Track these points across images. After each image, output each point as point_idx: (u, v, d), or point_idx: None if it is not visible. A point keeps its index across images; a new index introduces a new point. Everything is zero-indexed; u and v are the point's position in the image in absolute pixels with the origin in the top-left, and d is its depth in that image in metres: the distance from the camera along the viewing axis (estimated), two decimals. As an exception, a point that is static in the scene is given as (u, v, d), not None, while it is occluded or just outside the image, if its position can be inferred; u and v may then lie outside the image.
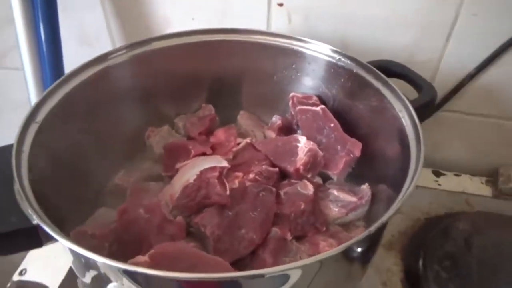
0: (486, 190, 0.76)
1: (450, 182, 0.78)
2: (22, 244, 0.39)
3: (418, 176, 0.41)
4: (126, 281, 0.36)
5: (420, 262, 0.56)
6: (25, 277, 0.61)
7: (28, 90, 0.68)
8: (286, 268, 0.35)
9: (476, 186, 0.77)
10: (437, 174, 0.79)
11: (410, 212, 0.65)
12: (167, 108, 0.68)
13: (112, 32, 0.77)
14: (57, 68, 0.67)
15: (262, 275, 0.34)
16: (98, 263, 0.36)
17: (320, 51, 0.59)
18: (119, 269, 0.34)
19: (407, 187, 0.41)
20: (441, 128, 0.78)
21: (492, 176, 0.78)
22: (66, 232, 0.48)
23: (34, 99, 0.69)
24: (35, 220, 0.37)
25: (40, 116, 0.47)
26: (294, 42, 0.60)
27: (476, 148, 0.79)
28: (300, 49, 0.60)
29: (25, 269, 0.62)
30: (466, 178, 0.79)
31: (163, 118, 0.67)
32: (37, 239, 0.39)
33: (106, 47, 0.77)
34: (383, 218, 0.38)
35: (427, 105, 0.54)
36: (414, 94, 0.56)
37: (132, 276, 0.35)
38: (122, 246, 0.49)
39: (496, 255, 0.55)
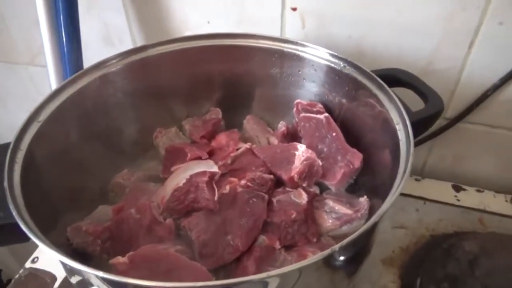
0: (510, 209, 0.71)
1: (470, 198, 0.73)
2: (10, 238, 0.41)
3: (400, 191, 0.39)
4: (103, 285, 0.37)
5: (418, 282, 0.53)
6: (37, 265, 0.64)
7: (50, 87, 0.72)
8: (260, 278, 0.34)
9: (499, 204, 0.72)
10: (457, 188, 0.74)
11: (415, 228, 0.62)
12: (178, 110, 0.69)
13: (134, 34, 0.79)
14: (77, 67, 0.71)
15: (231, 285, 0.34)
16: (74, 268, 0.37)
17: (324, 58, 0.58)
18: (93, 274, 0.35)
19: (389, 200, 0.39)
20: (462, 141, 0.73)
21: (519, 194, 0.73)
22: (63, 227, 0.51)
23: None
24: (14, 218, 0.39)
25: (43, 116, 0.50)
26: (300, 48, 0.60)
27: (502, 162, 0.74)
28: (306, 55, 0.59)
29: (37, 257, 0.66)
30: (490, 195, 0.74)
31: (173, 119, 0.69)
32: (22, 233, 0.41)
33: (129, 47, 0.80)
34: (363, 228, 0.37)
35: (433, 117, 0.51)
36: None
37: (106, 280, 0.36)
38: (114, 244, 0.51)
39: (502, 280, 0.52)
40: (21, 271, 0.64)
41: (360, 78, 0.54)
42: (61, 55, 0.70)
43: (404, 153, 0.44)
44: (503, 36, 0.60)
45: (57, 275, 0.63)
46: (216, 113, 0.67)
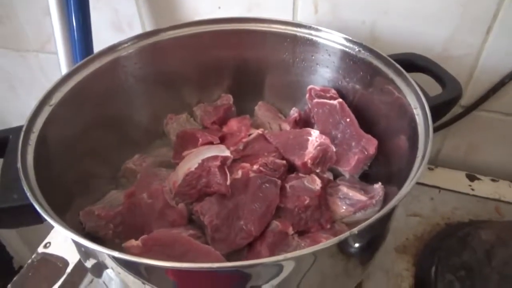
0: (525, 199, 0.69)
1: (485, 187, 0.72)
2: (23, 220, 0.41)
3: (419, 176, 0.38)
4: (117, 267, 0.37)
5: (433, 270, 0.52)
6: (49, 250, 0.64)
7: (61, 74, 0.72)
8: (276, 260, 0.33)
9: (514, 194, 0.71)
10: (472, 178, 0.73)
11: (429, 216, 0.61)
12: (189, 96, 0.69)
13: (144, 19, 0.78)
14: (87, 53, 0.70)
15: (249, 266, 0.34)
16: (89, 248, 0.37)
17: (339, 42, 0.57)
18: (107, 254, 0.35)
19: (408, 185, 0.38)
20: (478, 129, 0.72)
21: (534, 184, 0.72)
22: (75, 211, 0.51)
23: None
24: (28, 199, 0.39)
25: (55, 99, 0.50)
26: (313, 33, 0.59)
27: (517, 152, 0.72)
28: (319, 39, 0.58)
29: (49, 243, 0.66)
30: (505, 184, 0.73)
31: (184, 105, 0.68)
32: (36, 215, 0.41)
33: (138, 33, 0.80)
34: (380, 213, 0.36)
35: (451, 102, 0.50)
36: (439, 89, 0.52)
37: (120, 261, 0.36)
38: (126, 228, 0.51)
39: (519, 270, 0.51)
40: (33, 256, 0.64)
41: (375, 62, 0.53)
42: (72, 42, 0.70)
43: (422, 138, 0.43)
44: (523, 21, 0.59)
45: (69, 260, 0.63)
46: (227, 99, 0.66)
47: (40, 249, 0.65)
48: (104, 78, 0.56)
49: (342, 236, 0.35)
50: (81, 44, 0.69)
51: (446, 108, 0.50)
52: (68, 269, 0.61)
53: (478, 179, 0.74)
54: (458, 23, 0.62)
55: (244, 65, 0.66)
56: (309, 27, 0.58)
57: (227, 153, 0.51)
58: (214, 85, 0.69)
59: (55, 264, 0.61)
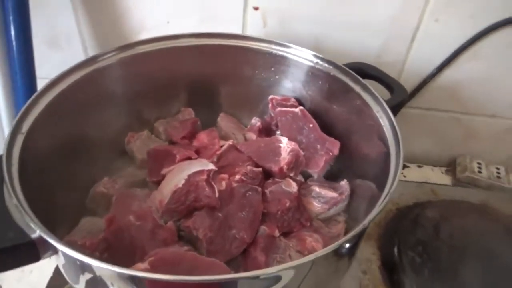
0: (447, 179, 0.82)
1: (414, 173, 0.84)
2: (19, 259, 0.38)
3: (400, 172, 0.45)
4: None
5: (395, 250, 0.60)
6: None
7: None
8: (287, 267, 0.37)
9: (437, 176, 0.84)
10: (403, 166, 0.84)
11: (383, 204, 0.69)
12: (147, 112, 0.68)
13: (84, 35, 0.75)
14: (27, 70, 0.65)
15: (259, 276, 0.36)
16: (109, 274, 0.36)
17: (299, 55, 0.62)
18: (133, 277, 0.35)
19: (390, 186, 0.44)
20: (405, 124, 0.82)
21: (450, 166, 0.85)
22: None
23: (2, 99, 0.68)
24: (36, 233, 0.37)
25: (26, 127, 0.47)
26: (274, 46, 0.63)
27: (437, 140, 0.85)
28: (280, 52, 0.62)
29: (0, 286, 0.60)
30: (428, 169, 0.86)
31: (142, 122, 0.67)
32: (34, 253, 0.39)
33: (77, 50, 0.76)
34: (371, 215, 0.41)
35: (399, 105, 0.58)
36: (385, 94, 0.60)
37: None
38: (113, 254, 0.49)
39: (462, 238, 0.61)
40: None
41: (334, 72, 0.59)
42: (10, 58, 0.64)
43: (391, 139, 0.49)
44: (438, 31, 0.70)
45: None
46: (189, 113, 0.67)
47: None
48: (69, 100, 0.54)
49: (340, 241, 0.39)
50: (21, 59, 0.64)
51: (395, 110, 0.58)
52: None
53: (407, 166, 0.85)
54: (389, 34, 0.71)
55: (202, 79, 0.68)
56: (270, 41, 0.62)
57: (210, 166, 0.53)
58: (172, 100, 0.69)
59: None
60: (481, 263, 0.58)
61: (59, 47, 0.76)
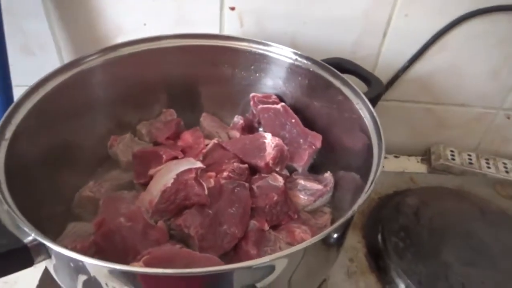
0: (422, 168, 0.86)
1: (392, 163, 0.87)
2: (13, 265, 0.38)
3: (383, 159, 0.47)
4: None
5: (379, 237, 0.62)
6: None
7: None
8: (280, 255, 0.38)
9: (414, 165, 0.87)
10: (381, 157, 0.87)
11: (365, 194, 0.71)
12: (128, 115, 0.68)
13: (59, 41, 0.74)
14: (2, 78, 0.64)
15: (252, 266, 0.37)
16: (105, 273, 0.36)
17: (278, 53, 0.63)
18: (130, 274, 0.35)
19: (374, 174, 0.46)
20: (380, 116, 0.84)
21: (425, 155, 0.89)
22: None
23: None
24: (29, 237, 0.36)
25: (9, 133, 0.46)
26: (253, 45, 0.64)
27: (411, 131, 0.88)
28: (259, 51, 0.64)
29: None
30: (404, 158, 0.89)
31: (124, 125, 0.67)
32: (28, 258, 0.38)
33: (52, 56, 0.75)
34: (359, 201, 0.43)
35: (377, 97, 0.60)
36: (362, 88, 0.62)
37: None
38: (104, 257, 0.49)
39: (441, 222, 0.64)
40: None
41: (313, 68, 0.61)
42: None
43: (373, 130, 0.51)
44: (408, 25, 0.73)
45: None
46: (171, 114, 0.68)
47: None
48: (50, 105, 0.53)
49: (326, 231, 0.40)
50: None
51: (373, 102, 0.60)
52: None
53: (385, 157, 0.88)
54: (362, 29, 0.73)
55: (182, 80, 0.68)
56: (249, 40, 0.64)
57: (198, 164, 0.53)
58: (154, 102, 0.69)
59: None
60: (459, 243, 0.61)
61: (32, 54, 0.75)
